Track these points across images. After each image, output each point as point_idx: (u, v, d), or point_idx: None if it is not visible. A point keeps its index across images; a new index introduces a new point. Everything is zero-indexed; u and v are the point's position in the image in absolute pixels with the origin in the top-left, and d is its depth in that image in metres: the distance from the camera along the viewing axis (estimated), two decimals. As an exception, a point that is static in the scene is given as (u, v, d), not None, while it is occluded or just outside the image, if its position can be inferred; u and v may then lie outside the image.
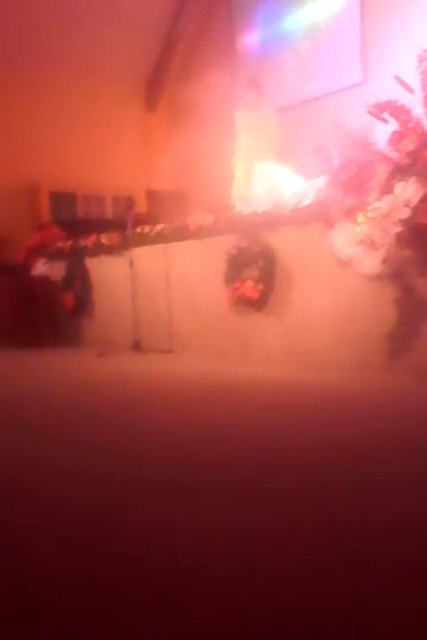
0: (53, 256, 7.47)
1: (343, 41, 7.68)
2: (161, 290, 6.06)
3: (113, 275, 6.63)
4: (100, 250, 6.84)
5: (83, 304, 7.02)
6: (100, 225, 7.54)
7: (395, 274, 4.03)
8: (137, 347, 6.09)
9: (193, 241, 5.76)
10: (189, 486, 2.15)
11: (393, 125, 3.99)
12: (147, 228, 6.32)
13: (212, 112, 8.06)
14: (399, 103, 3.97)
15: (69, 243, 7.34)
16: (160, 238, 6.14)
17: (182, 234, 5.88)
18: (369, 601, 1.33)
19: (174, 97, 9.92)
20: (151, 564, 1.57)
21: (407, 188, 3.80)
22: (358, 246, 4.08)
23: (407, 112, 3.95)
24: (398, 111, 3.97)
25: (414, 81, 3.98)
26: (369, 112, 4.07)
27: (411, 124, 3.92)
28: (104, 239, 6.78)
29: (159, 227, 6.22)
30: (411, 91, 4.04)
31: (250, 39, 9.07)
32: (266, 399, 3.69)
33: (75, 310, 7.08)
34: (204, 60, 9.12)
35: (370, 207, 3.97)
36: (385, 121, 4.05)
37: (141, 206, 9.42)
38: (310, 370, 4.43)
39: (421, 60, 3.95)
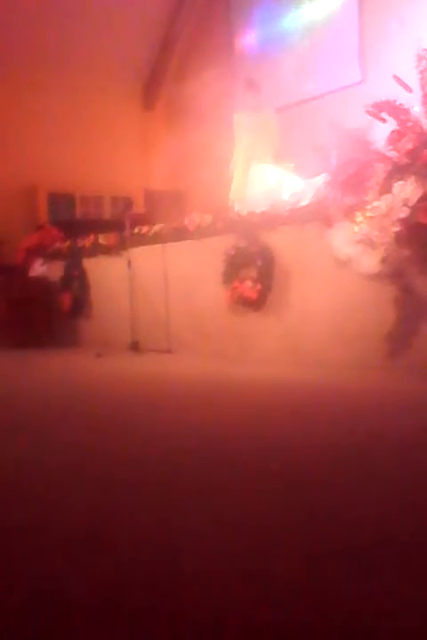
0: (51, 257, 7.47)
1: (342, 40, 7.68)
2: (159, 290, 6.05)
3: (111, 275, 6.63)
4: (98, 250, 6.83)
5: (81, 304, 7.02)
6: (98, 225, 7.54)
7: (394, 273, 4.03)
8: (135, 347, 6.09)
9: (191, 241, 5.75)
10: (188, 487, 2.14)
11: (392, 125, 3.99)
12: (145, 229, 6.32)
13: (209, 112, 8.05)
14: (398, 102, 3.97)
15: (67, 243, 7.33)
16: (158, 238, 6.14)
17: (180, 234, 5.87)
18: (369, 601, 1.32)
19: (172, 97, 9.91)
20: (151, 565, 1.56)
21: (406, 187, 3.80)
22: (356, 246, 4.08)
23: (406, 111, 3.95)
24: (396, 110, 3.97)
25: (413, 80, 3.98)
26: (368, 111, 4.07)
27: (409, 124, 3.92)
28: (102, 240, 6.78)
29: (157, 227, 6.22)
30: (409, 90, 4.04)
31: (248, 38, 9.07)
32: (265, 399, 3.68)
33: (73, 311, 7.08)
34: (201, 60, 9.12)
35: (369, 206, 3.97)
36: (384, 120, 4.05)
37: (139, 206, 9.42)
38: (308, 369, 4.42)
39: (419, 59, 3.95)
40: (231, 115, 6.88)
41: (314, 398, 3.61)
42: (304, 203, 4.74)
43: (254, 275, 5.07)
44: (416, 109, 3.96)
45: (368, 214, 3.97)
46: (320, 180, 4.54)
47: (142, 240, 6.28)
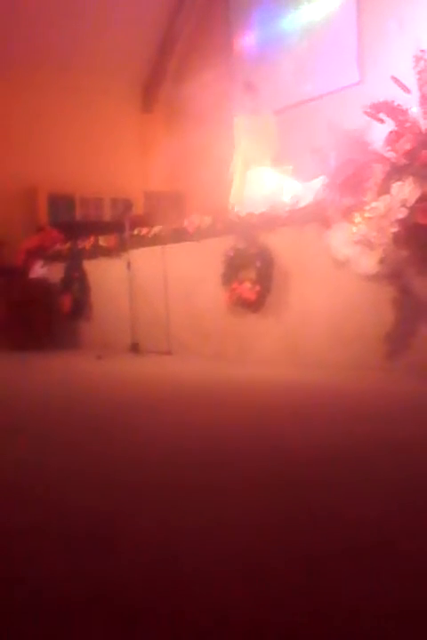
0: (51, 258, 7.47)
1: (340, 41, 7.68)
2: (159, 291, 6.06)
3: (111, 277, 6.63)
4: (98, 252, 6.84)
5: (81, 306, 7.02)
6: (98, 227, 7.54)
7: (392, 274, 4.03)
8: (135, 349, 6.09)
9: (190, 242, 5.76)
10: (189, 487, 2.14)
11: (390, 125, 3.99)
12: (144, 230, 6.33)
13: (208, 113, 8.06)
14: (396, 103, 3.97)
15: (67, 245, 7.34)
16: (158, 240, 6.14)
17: (180, 235, 5.88)
18: (370, 601, 1.33)
19: (171, 98, 9.92)
20: (151, 566, 1.57)
21: (404, 188, 3.80)
22: (355, 246, 4.08)
23: (404, 112, 3.96)
24: (394, 111, 3.97)
25: (411, 81, 3.99)
26: (366, 112, 4.08)
27: (408, 124, 3.92)
28: (102, 241, 6.78)
29: (157, 228, 6.23)
30: (408, 91, 4.04)
31: (247, 40, 9.07)
32: (264, 400, 3.68)
33: (73, 312, 7.08)
34: (200, 61, 9.12)
35: (367, 207, 3.98)
36: (382, 121, 4.05)
37: (139, 208, 9.43)
38: (307, 370, 4.42)
39: (417, 60, 3.96)
40: (230, 116, 6.89)
41: (313, 399, 3.62)
42: (303, 204, 4.75)
43: (253, 276, 5.08)
44: (414, 110, 3.96)
45: (367, 215, 3.98)
46: (318, 182, 4.55)
47: (142, 241, 6.28)
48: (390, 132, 3.96)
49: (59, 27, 8.81)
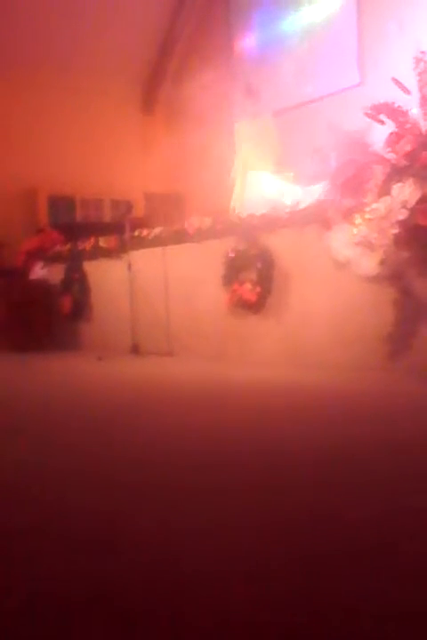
0: (52, 259, 7.47)
1: (340, 43, 7.69)
2: (159, 293, 6.06)
3: (111, 278, 6.63)
4: (98, 253, 6.84)
5: (81, 307, 7.02)
6: (99, 228, 7.54)
7: (393, 275, 4.03)
8: (136, 350, 6.09)
9: (191, 244, 5.76)
10: (189, 488, 2.14)
11: (390, 127, 3.99)
12: (145, 232, 6.33)
13: (209, 114, 8.06)
14: (396, 105, 3.98)
15: (68, 246, 7.33)
16: (158, 241, 6.14)
17: (180, 237, 5.88)
18: (370, 602, 1.32)
19: (171, 99, 9.92)
20: (151, 567, 1.57)
21: (405, 189, 3.80)
22: (355, 248, 4.08)
23: (404, 114, 3.96)
24: (395, 113, 3.97)
25: (411, 82, 3.99)
26: (366, 114, 4.08)
27: (408, 126, 3.93)
28: (102, 242, 6.78)
29: (157, 230, 6.23)
30: (408, 92, 4.04)
31: (247, 41, 9.07)
32: (265, 401, 3.68)
33: (73, 314, 7.08)
34: (201, 62, 9.11)
35: (367, 209, 3.98)
36: (382, 123, 4.05)
37: (139, 209, 9.43)
38: (308, 371, 4.42)
39: (417, 61, 3.96)
40: (230, 117, 6.90)
41: (314, 400, 3.61)
42: (303, 205, 4.76)
43: (254, 277, 5.08)
44: (415, 111, 3.96)
45: (367, 216, 3.98)
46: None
47: (142, 243, 6.28)
48: (391, 134, 3.96)
49: (59, 27, 8.81)
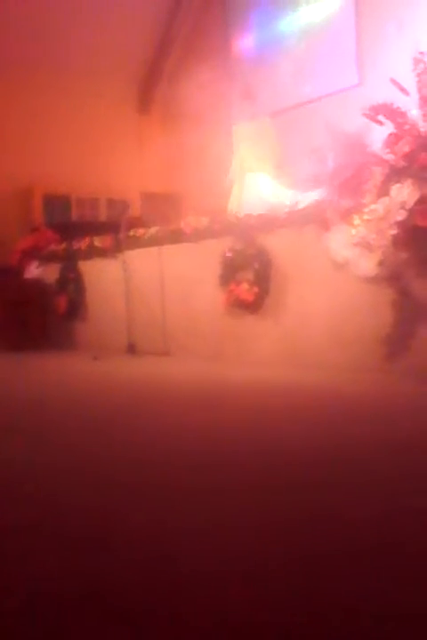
0: (47, 259, 7.45)
1: (339, 43, 7.70)
2: (156, 292, 6.05)
3: (107, 278, 6.61)
4: (93, 253, 6.82)
5: (76, 307, 7.00)
6: (94, 228, 7.52)
7: (391, 276, 4.03)
8: (132, 350, 6.08)
9: (188, 244, 5.74)
10: (186, 488, 2.13)
11: (389, 128, 3.99)
12: (141, 231, 6.31)
13: (206, 114, 8.06)
14: (395, 105, 3.97)
15: (63, 245, 7.31)
16: (154, 241, 6.13)
17: (177, 236, 5.87)
18: (369, 602, 1.32)
19: (168, 99, 9.92)
20: (149, 567, 1.56)
21: (403, 190, 3.80)
22: (354, 249, 4.08)
23: (403, 114, 3.96)
24: (393, 113, 3.97)
25: (410, 83, 3.99)
26: (365, 114, 4.08)
27: (407, 127, 3.92)
28: (98, 242, 6.76)
29: (153, 229, 6.21)
30: (407, 93, 4.04)
31: (245, 41, 9.08)
32: (262, 401, 3.68)
33: (68, 313, 7.06)
34: (198, 62, 9.10)
35: (366, 209, 3.97)
36: (381, 123, 4.05)
37: (135, 209, 9.42)
38: (306, 372, 4.42)
39: (416, 62, 3.95)
40: (228, 117, 6.89)
41: (312, 401, 3.61)
42: (301, 206, 4.75)
43: (251, 277, 5.07)
44: (413, 112, 3.96)
45: (366, 217, 3.97)
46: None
47: (138, 242, 6.27)
48: (390, 135, 3.96)
49: (55, 27, 8.79)
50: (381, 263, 3.96)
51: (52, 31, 8.83)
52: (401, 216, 3.79)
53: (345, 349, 4.42)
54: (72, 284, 7.01)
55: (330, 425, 3.00)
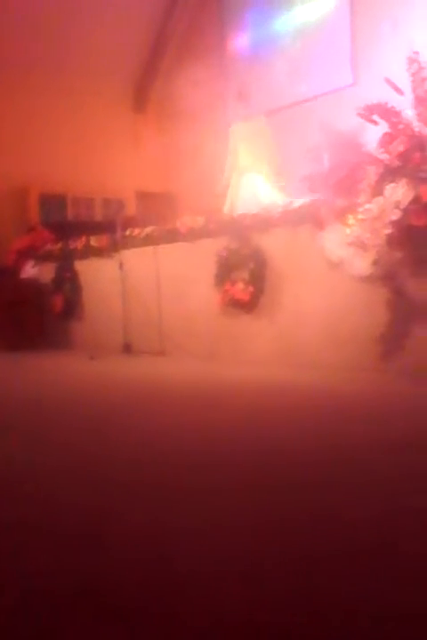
0: (43, 258, 7.44)
1: (333, 43, 7.70)
2: (151, 292, 6.04)
3: (103, 277, 6.61)
4: (89, 252, 6.81)
5: (72, 306, 6.99)
6: (90, 227, 7.51)
7: (386, 275, 4.04)
8: (128, 349, 6.08)
9: (183, 243, 5.74)
10: (183, 488, 2.13)
11: (383, 127, 3.99)
12: (136, 231, 6.30)
13: (201, 113, 8.05)
14: (390, 105, 3.97)
15: (59, 245, 7.30)
16: (150, 240, 6.12)
17: (172, 236, 5.86)
18: (368, 602, 1.32)
19: (163, 98, 9.90)
20: (146, 566, 1.56)
21: (398, 189, 3.80)
22: (348, 248, 4.08)
23: (397, 114, 3.96)
24: (388, 113, 3.97)
25: (405, 83, 3.99)
26: (359, 114, 4.08)
27: (401, 126, 3.92)
28: (93, 241, 6.76)
29: (149, 229, 6.21)
30: (401, 93, 4.04)
31: (240, 41, 9.08)
32: (258, 400, 3.68)
33: (64, 313, 7.05)
34: (193, 62, 9.10)
35: (360, 209, 3.98)
36: (375, 123, 4.05)
37: (131, 208, 9.41)
38: (301, 371, 4.42)
39: (411, 61, 3.96)
40: (223, 116, 6.89)
41: (307, 400, 3.61)
42: (296, 205, 4.75)
43: (246, 277, 5.07)
44: (408, 112, 3.97)
45: (360, 217, 3.98)
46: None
47: (134, 242, 6.26)
48: (384, 134, 3.96)
49: (51, 27, 8.77)
50: (375, 262, 3.96)
51: (48, 31, 8.81)
52: (396, 215, 3.79)
53: (340, 349, 4.42)
54: (68, 283, 7.00)
55: (325, 424, 3.01)
